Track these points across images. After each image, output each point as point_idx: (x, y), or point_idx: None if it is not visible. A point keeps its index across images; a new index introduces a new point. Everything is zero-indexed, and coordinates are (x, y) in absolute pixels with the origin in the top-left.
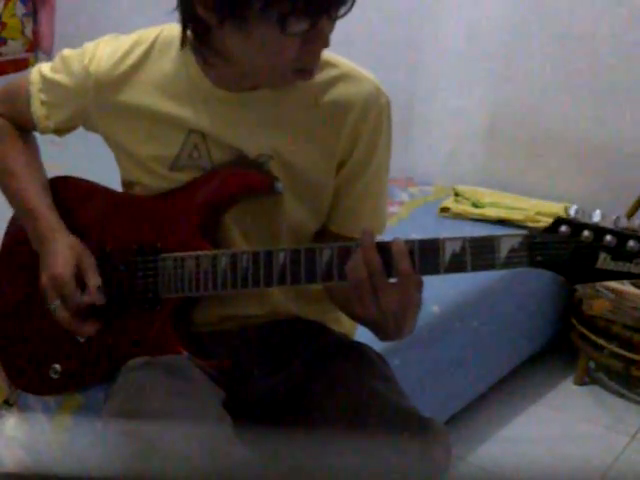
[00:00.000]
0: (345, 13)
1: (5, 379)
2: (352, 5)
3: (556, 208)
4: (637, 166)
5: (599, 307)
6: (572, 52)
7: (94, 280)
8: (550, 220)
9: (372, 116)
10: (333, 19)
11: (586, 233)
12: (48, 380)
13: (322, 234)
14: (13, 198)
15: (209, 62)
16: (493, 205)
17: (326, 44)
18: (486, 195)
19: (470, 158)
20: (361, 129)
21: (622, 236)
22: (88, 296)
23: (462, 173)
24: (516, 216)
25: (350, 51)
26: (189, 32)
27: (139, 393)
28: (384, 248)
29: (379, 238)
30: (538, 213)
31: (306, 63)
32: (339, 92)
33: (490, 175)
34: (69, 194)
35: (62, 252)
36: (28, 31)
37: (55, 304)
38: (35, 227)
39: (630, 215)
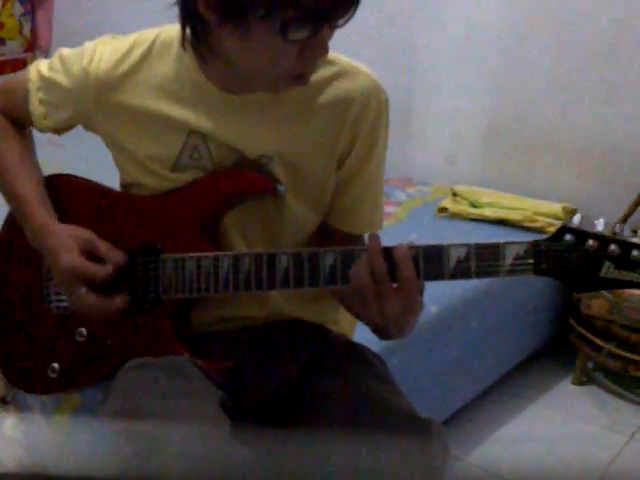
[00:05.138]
0: (345, 22)
1: (2, 377)
2: (353, 14)
3: (554, 208)
4: (635, 167)
5: (597, 307)
6: (571, 52)
7: (104, 249)
8: (548, 220)
9: (372, 112)
10: (333, 28)
11: (590, 242)
12: (46, 379)
13: (321, 229)
14: (6, 195)
15: (208, 61)
16: (491, 205)
17: (325, 52)
18: (484, 195)
19: (468, 158)
20: (361, 125)
21: (626, 245)
22: (109, 264)
23: (460, 173)
24: (514, 216)
25: (349, 52)
26: (188, 31)
27: (137, 393)
28: (388, 253)
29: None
30: (536, 213)
31: (302, 70)
32: (338, 89)
33: (488, 175)
34: (67, 193)
35: (62, 242)
36: (26, 31)
37: (81, 292)
38: (29, 225)
39: (628, 215)
